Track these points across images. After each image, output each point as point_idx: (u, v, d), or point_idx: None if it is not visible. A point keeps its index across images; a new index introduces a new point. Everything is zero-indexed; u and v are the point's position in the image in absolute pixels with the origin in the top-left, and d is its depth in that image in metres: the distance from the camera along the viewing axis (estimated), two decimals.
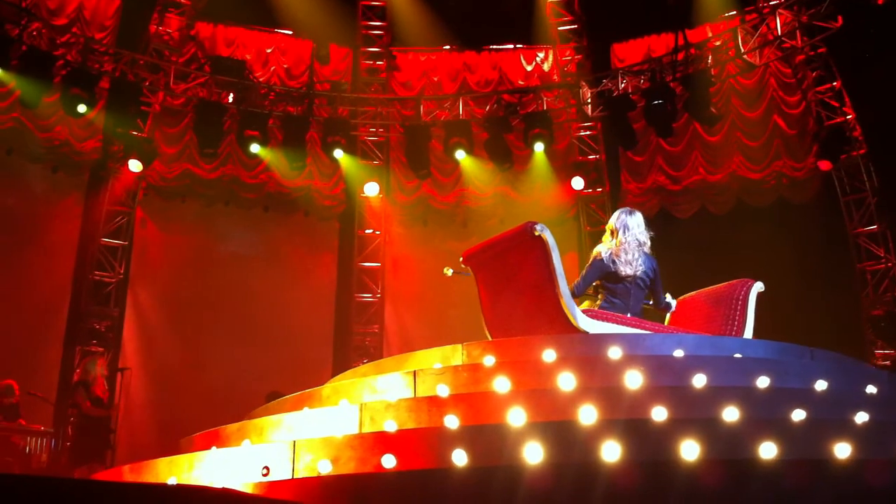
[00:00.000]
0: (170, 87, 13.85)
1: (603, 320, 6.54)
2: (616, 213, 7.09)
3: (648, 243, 6.94)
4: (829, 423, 4.94)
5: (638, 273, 6.84)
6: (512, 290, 6.87)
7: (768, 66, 13.79)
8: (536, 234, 6.37)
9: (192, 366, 13.56)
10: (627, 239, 6.85)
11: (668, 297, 7.28)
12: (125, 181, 13.95)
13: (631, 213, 7.03)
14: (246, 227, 14.85)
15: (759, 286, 7.22)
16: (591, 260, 6.98)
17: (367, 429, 5.40)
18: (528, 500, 4.53)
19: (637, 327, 6.63)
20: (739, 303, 7.10)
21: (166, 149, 14.15)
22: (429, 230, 15.55)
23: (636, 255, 6.83)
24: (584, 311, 6.50)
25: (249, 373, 13.02)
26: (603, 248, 6.94)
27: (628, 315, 6.83)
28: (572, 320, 6.36)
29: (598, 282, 7.00)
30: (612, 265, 6.83)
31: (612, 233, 6.96)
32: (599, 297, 7.02)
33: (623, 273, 6.82)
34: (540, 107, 14.57)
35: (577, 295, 6.81)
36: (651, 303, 7.24)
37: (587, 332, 6.34)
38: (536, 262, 6.49)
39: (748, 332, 7.08)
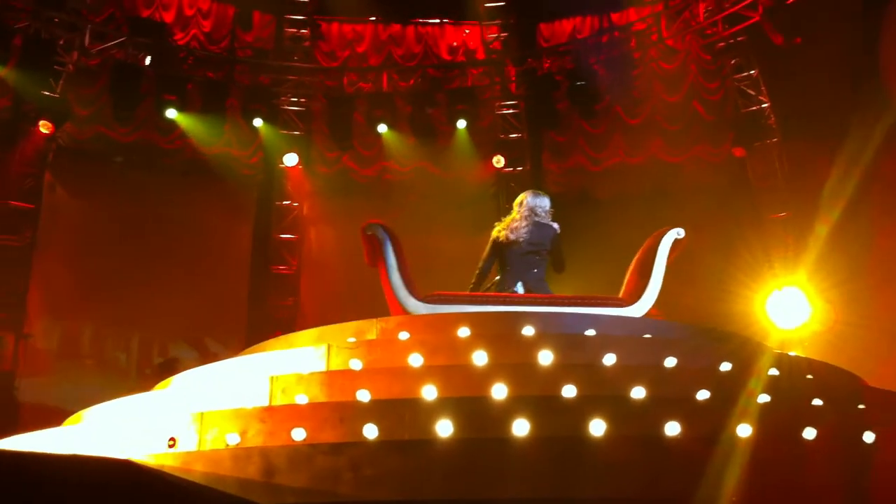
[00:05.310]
0: (85, 47, 13.40)
1: (441, 303, 6.79)
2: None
3: (544, 213, 7.20)
4: (732, 404, 5.08)
5: (521, 239, 7.08)
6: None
7: (690, 53, 13.98)
8: (368, 233, 6.99)
9: (101, 333, 13.22)
10: (522, 212, 7.20)
11: None
12: (35, 142, 13.46)
13: (534, 193, 7.35)
14: (161, 193, 14.37)
15: (674, 232, 7.17)
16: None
17: (278, 401, 5.36)
18: (439, 474, 4.58)
19: (484, 303, 6.77)
20: (652, 252, 7.19)
21: (80, 111, 13.65)
22: (349, 203, 15.33)
23: (523, 224, 7.13)
24: (429, 296, 6.79)
25: (160, 343, 12.77)
26: (497, 227, 7.27)
27: (518, 287, 7.05)
28: (403, 307, 6.80)
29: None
30: (499, 238, 7.18)
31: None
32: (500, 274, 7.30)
33: (508, 239, 7.11)
34: (465, 83, 14.56)
35: (484, 275, 7.26)
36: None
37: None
38: (376, 256, 7.05)
39: (656, 280, 7.06)
